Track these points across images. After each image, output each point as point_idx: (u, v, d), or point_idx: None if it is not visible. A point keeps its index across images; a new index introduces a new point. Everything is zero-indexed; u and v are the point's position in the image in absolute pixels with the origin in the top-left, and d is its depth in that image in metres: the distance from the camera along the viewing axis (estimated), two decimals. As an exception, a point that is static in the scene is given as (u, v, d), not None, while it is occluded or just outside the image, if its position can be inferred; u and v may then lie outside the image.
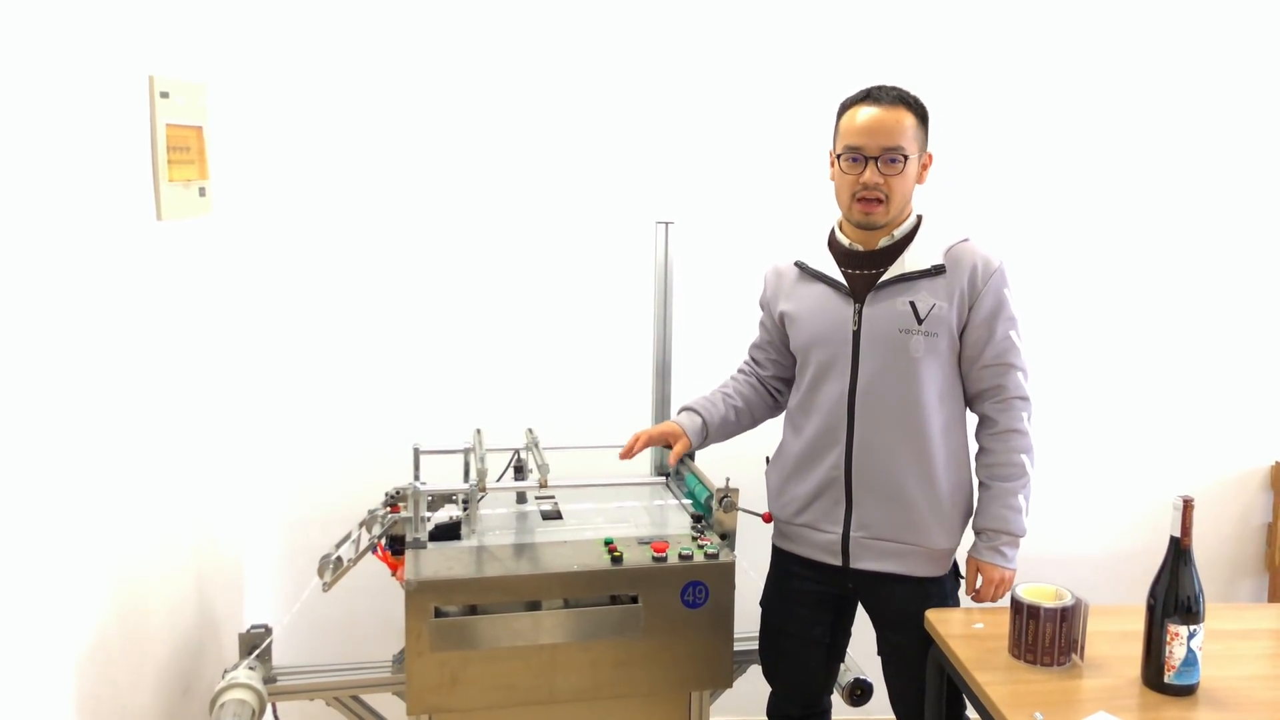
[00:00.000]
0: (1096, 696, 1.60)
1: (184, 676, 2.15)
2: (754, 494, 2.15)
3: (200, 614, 2.25)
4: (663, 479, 2.37)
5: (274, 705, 1.96)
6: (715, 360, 2.72)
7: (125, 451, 1.86)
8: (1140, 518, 2.93)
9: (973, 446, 2.02)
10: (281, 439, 2.69)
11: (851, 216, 1.94)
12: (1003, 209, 2.77)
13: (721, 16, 2.65)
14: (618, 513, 2.17)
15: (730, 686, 2.01)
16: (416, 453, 2.18)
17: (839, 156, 1.91)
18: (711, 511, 2.06)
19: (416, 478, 2.11)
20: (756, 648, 2.19)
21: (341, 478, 2.68)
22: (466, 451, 2.21)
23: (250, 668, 1.93)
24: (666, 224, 2.32)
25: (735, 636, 1.97)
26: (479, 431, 2.16)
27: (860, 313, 1.94)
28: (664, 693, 1.96)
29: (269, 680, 1.96)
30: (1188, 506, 1.59)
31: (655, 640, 1.90)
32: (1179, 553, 1.60)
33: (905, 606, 1.97)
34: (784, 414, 2.16)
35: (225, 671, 1.92)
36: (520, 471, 2.27)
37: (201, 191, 2.21)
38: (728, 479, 2.07)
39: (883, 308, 1.92)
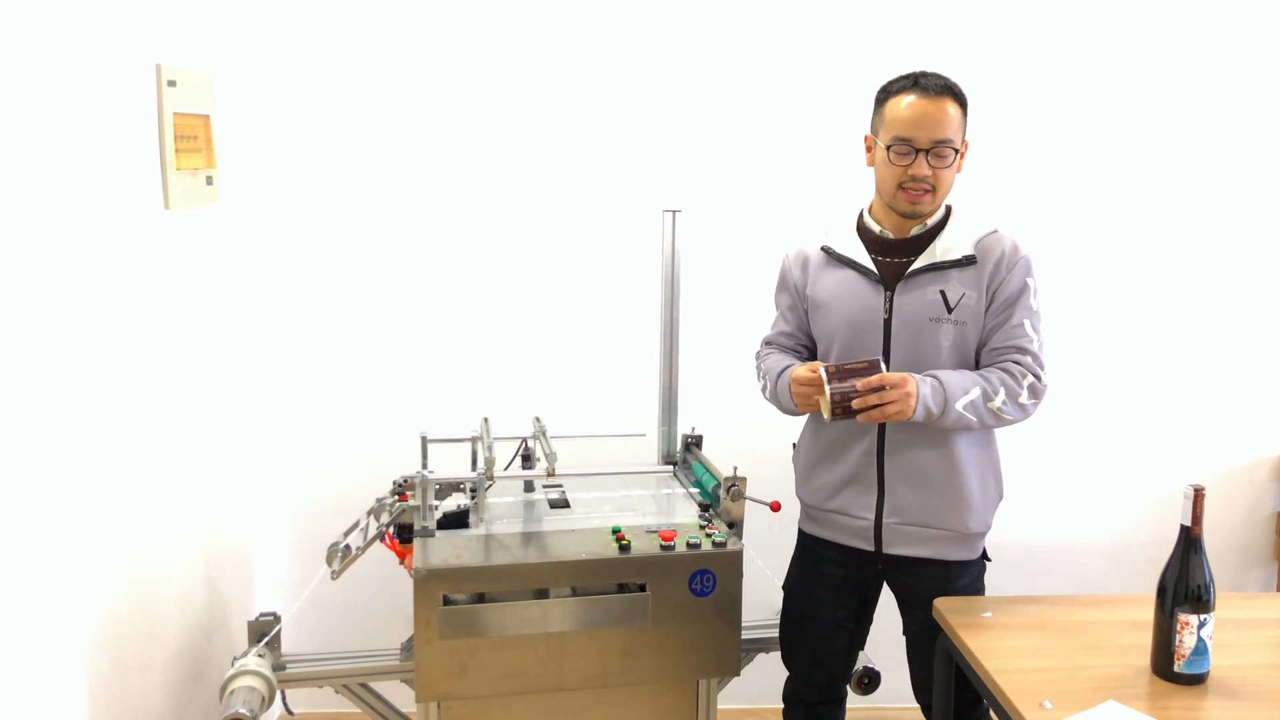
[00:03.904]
0: (1106, 685, 1.59)
1: (194, 664, 2.16)
2: (761, 483, 2.15)
3: (210, 602, 2.26)
4: (670, 468, 2.37)
5: (283, 692, 1.97)
6: (722, 348, 2.73)
7: (134, 441, 1.87)
8: (1150, 507, 2.93)
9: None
10: (290, 428, 2.70)
11: (896, 205, 1.91)
12: (1011, 201, 2.75)
13: (727, 5, 2.63)
14: (625, 501, 2.17)
15: (738, 675, 2.01)
16: (424, 441, 2.19)
17: (889, 148, 1.87)
18: (719, 500, 2.06)
19: (424, 466, 2.11)
20: (763, 636, 2.19)
21: (349, 466, 2.69)
22: (474, 440, 2.21)
23: (260, 655, 1.93)
24: (673, 212, 2.31)
25: (743, 624, 1.97)
26: (486, 420, 2.16)
27: (891, 300, 1.93)
28: (672, 681, 1.96)
29: (278, 668, 1.97)
30: (1198, 495, 1.59)
31: (663, 628, 1.90)
32: (1189, 541, 1.60)
33: (934, 588, 1.97)
34: None
35: (235, 659, 1.93)
36: (528, 460, 2.28)
37: (209, 180, 2.21)
38: (735, 468, 2.07)
39: (914, 296, 1.92)
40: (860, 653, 2.16)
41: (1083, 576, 2.91)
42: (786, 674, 2.20)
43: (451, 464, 2.24)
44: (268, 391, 2.65)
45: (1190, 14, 2.72)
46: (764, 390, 2.08)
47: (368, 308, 2.67)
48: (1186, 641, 1.59)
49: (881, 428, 1.95)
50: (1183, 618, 1.59)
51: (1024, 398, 1.90)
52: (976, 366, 1.96)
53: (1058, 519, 2.91)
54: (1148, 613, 1.66)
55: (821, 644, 2.10)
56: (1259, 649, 1.74)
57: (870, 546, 2.00)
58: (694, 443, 2.37)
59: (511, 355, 2.71)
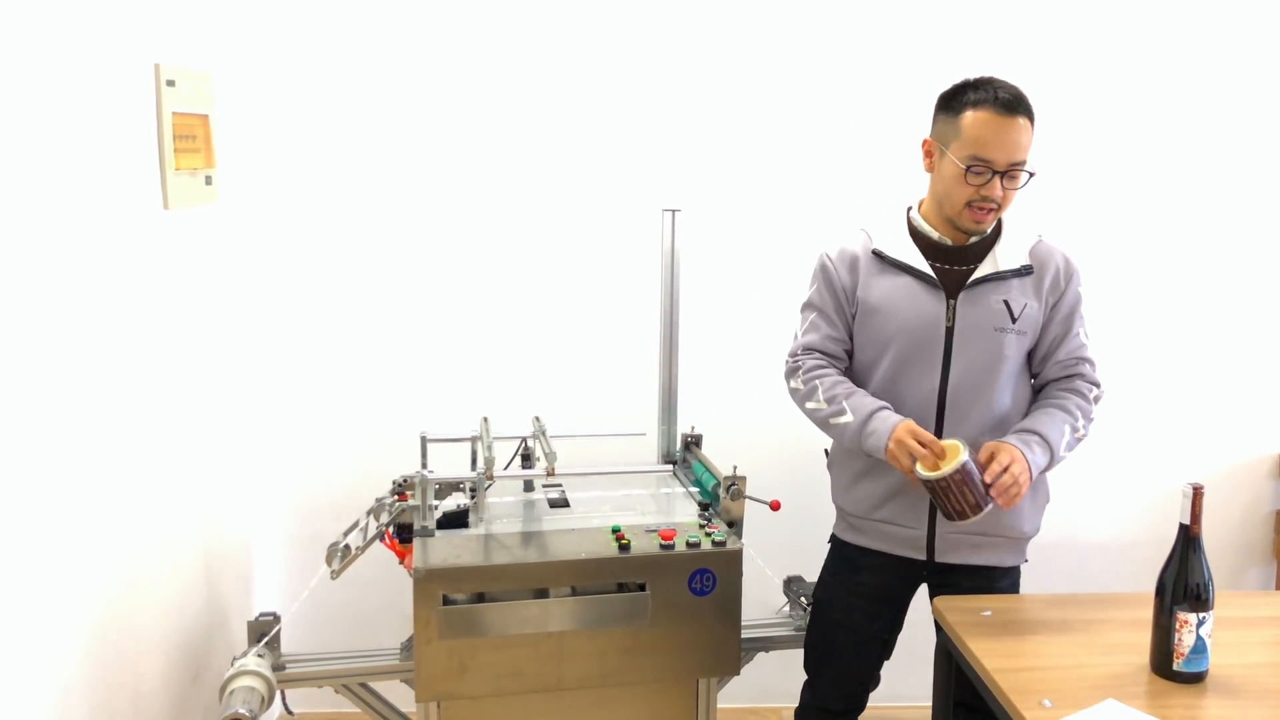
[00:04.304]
0: (1105, 684, 1.60)
1: (193, 664, 2.16)
2: (761, 482, 2.15)
3: (209, 602, 2.26)
4: (669, 467, 2.37)
5: (283, 692, 1.97)
6: (722, 347, 2.73)
7: (133, 441, 1.87)
8: (1149, 505, 2.93)
9: None
10: (289, 427, 2.69)
11: (960, 222, 1.87)
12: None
13: (725, 4, 2.63)
14: (625, 501, 2.18)
15: (738, 674, 2.01)
16: (424, 441, 2.19)
17: (966, 168, 1.80)
18: (719, 499, 2.06)
19: (424, 466, 2.11)
20: (763, 635, 2.18)
21: (349, 466, 2.69)
22: (474, 439, 2.21)
23: (259, 655, 1.93)
24: (673, 211, 2.31)
25: (743, 624, 1.97)
26: (486, 419, 2.16)
27: (954, 309, 1.91)
28: (671, 680, 1.96)
29: (278, 668, 1.97)
30: (1197, 494, 1.59)
31: (663, 628, 1.90)
32: (1188, 540, 1.60)
33: (978, 590, 1.96)
34: None
35: (234, 659, 1.93)
36: (527, 459, 2.28)
37: (208, 180, 2.21)
38: (735, 467, 2.07)
39: (979, 305, 1.89)
40: None
41: (1082, 575, 2.91)
42: (787, 674, 2.20)
43: (451, 464, 2.24)
44: (267, 391, 2.65)
45: (1186, 14, 2.72)
46: (810, 404, 1.96)
47: (367, 307, 2.67)
48: (1185, 640, 1.59)
49: (937, 435, 1.90)
50: (1182, 616, 1.59)
51: (1093, 413, 1.93)
52: (1032, 372, 1.97)
53: (1057, 517, 2.90)
54: (1147, 611, 1.66)
55: (854, 654, 2.07)
56: (1258, 647, 1.74)
57: (922, 556, 1.97)
58: (693, 442, 2.37)
59: (511, 355, 2.71)
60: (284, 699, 1.99)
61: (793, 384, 2.01)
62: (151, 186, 1.95)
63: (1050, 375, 1.98)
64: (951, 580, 1.99)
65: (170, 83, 1.99)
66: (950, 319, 1.90)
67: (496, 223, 2.67)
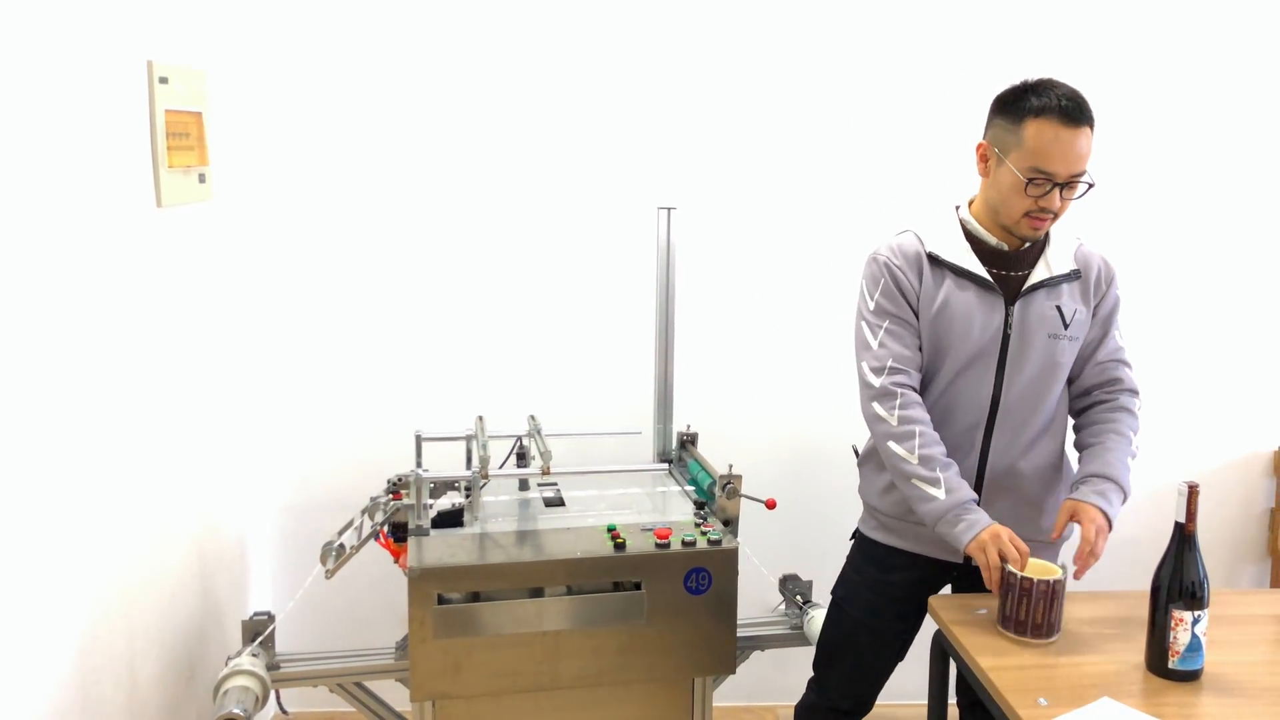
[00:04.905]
0: (1100, 682, 1.60)
1: (188, 663, 2.15)
2: (756, 480, 2.15)
3: (203, 601, 2.25)
4: (665, 466, 2.37)
5: (277, 692, 1.97)
6: (718, 346, 2.72)
7: (126, 440, 1.86)
8: (1144, 503, 2.92)
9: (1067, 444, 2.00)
10: (283, 426, 2.69)
11: (1018, 230, 1.82)
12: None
13: (721, 2, 2.63)
14: (620, 499, 2.17)
15: (734, 673, 2.01)
16: (419, 439, 2.18)
17: (1028, 180, 1.74)
18: (714, 498, 2.06)
19: (419, 464, 2.11)
20: (759, 634, 2.18)
21: (344, 465, 2.68)
22: (469, 438, 2.21)
23: (253, 655, 1.93)
24: (669, 209, 2.30)
25: (738, 622, 1.97)
26: (481, 418, 2.16)
27: (1012, 315, 1.87)
28: (667, 679, 1.96)
29: (272, 667, 1.96)
30: (1193, 492, 1.59)
31: (658, 626, 1.90)
32: (1184, 538, 1.60)
33: None
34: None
35: (229, 658, 1.92)
36: (523, 458, 2.27)
37: (202, 178, 2.20)
38: (730, 465, 2.07)
39: (1034, 311, 1.87)
40: None
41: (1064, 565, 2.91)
42: (783, 672, 2.19)
43: (446, 462, 2.24)
44: (262, 390, 2.65)
45: (1182, 13, 2.73)
46: (896, 446, 1.83)
47: (361, 306, 2.66)
48: (1181, 638, 1.59)
49: (987, 442, 1.90)
50: (1177, 614, 1.59)
51: (1138, 412, 1.93)
52: (1072, 375, 1.96)
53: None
54: (1142, 609, 1.66)
55: (872, 654, 2.06)
56: (1253, 645, 1.75)
57: (959, 559, 1.94)
58: (689, 440, 2.37)
59: (506, 353, 2.71)
60: (279, 698, 1.99)
61: (880, 410, 1.85)
62: (144, 184, 1.94)
63: (1090, 380, 1.95)
64: (979, 583, 1.94)
65: (163, 80, 1.98)
66: (1008, 325, 1.88)
67: (491, 220, 2.66)
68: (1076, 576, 1.75)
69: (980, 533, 1.76)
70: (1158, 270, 2.84)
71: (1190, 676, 1.60)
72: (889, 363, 1.86)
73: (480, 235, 2.67)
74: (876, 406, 1.86)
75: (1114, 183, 2.80)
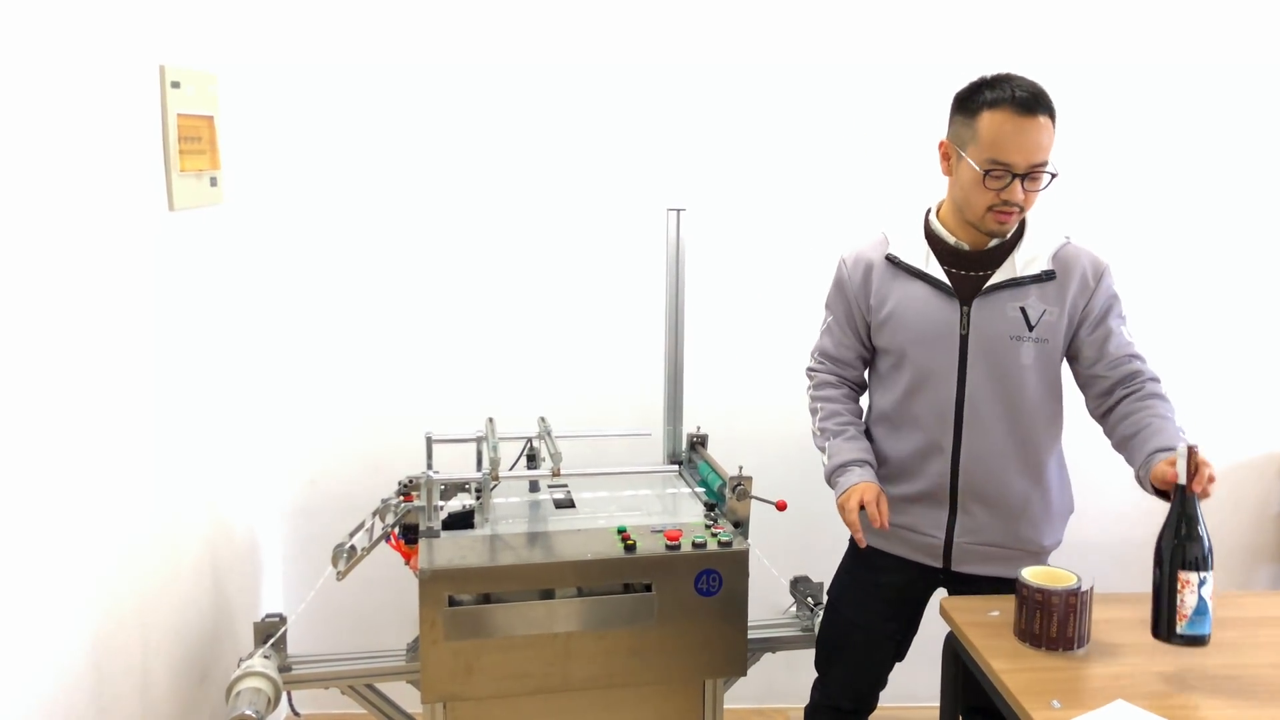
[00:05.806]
0: (1113, 684, 1.59)
1: (200, 665, 2.16)
2: (767, 482, 2.14)
3: (215, 603, 2.26)
4: (675, 467, 2.36)
5: (289, 693, 1.97)
6: (728, 347, 2.72)
7: (139, 442, 1.87)
8: (1151, 504, 2.90)
9: (1068, 444, 1.97)
10: (294, 429, 2.70)
11: (983, 226, 1.82)
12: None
13: (731, 4, 2.63)
14: (630, 501, 2.17)
15: (744, 674, 2.00)
16: (429, 441, 2.19)
17: (985, 172, 1.75)
18: (724, 499, 2.06)
19: (429, 466, 2.11)
20: (770, 635, 2.18)
21: (355, 467, 2.69)
22: (479, 440, 2.21)
23: (265, 656, 1.93)
24: (678, 210, 2.30)
25: (749, 624, 1.97)
26: (491, 420, 2.16)
27: (968, 316, 1.87)
28: (678, 681, 1.96)
29: (284, 669, 1.97)
30: (1192, 452, 1.56)
31: (669, 628, 1.89)
32: (1185, 499, 1.57)
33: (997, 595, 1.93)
34: (868, 414, 2.07)
35: (241, 660, 1.93)
36: (533, 460, 2.27)
37: (213, 181, 2.21)
38: (740, 467, 2.07)
39: (993, 312, 1.85)
40: None
41: (1087, 575, 2.90)
42: (794, 675, 2.19)
43: (457, 464, 2.24)
44: (273, 392, 2.66)
45: (1180, 14, 2.72)
46: (813, 422, 2.05)
47: (372, 308, 2.67)
48: (1188, 601, 1.56)
49: (957, 447, 1.90)
50: (1183, 576, 1.55)
51: (1166, 395, 1.86)
52: (1086, 380, 1.92)
53: (1064, 517, 2.90)
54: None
55: (867, 653, 2.06)
56: (1268, 648, 1.73)
57: (938, 564, 1.96)
58: (699, 442, 2.36)
59: (516, 355, 2.71)
60: (290, 700, 1.99)
61: (807, 391, 2.10)
62: (157, 188, 1.95)
63: (1107, 380, 1.90)
64: (971, 588, 1.96)
65: (175, 84, 1.99)
66: (964, 327, 1.86)
67: (501, 223, 2.67)
68: (1202, 497, 1.61)
69: (849, 489, 1.87)
70: (1170, 271, 2.83)
71: (1198, 641, 1.57)
72: (816, 356, 2.09)
73: (489, 237, 2.67)
74: (807, 385, 2.10)
75: (1127, 184, 2.79)
